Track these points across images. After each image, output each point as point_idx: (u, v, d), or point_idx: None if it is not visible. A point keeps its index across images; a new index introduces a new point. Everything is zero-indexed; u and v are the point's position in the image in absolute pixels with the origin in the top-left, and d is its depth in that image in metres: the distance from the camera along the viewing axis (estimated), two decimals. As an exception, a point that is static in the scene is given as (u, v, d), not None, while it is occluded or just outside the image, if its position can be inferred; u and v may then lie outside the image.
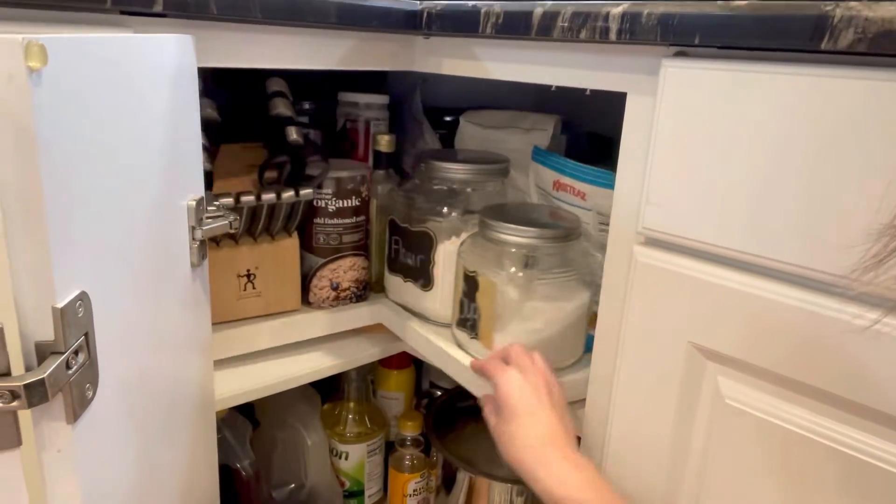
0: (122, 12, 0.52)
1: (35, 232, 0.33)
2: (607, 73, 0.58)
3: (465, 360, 0.73)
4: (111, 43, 0.40)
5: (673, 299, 0.54)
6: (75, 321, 0.36)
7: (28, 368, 0.34)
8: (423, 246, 0.80)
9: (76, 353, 0.36)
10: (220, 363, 0.77)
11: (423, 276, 0.81)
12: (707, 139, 0.50)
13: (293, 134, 0.74)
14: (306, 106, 0.93)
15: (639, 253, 0.56)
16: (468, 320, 0.74)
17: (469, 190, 0.82)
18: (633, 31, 0.52)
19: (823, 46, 0.42)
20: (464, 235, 0.77)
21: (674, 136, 0.52)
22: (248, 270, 0.77)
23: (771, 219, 0.47)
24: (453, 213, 0.78)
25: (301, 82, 0.80)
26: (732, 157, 0.48)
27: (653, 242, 0.56)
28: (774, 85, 0.46)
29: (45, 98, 0.32)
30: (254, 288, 0.77)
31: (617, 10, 0.53)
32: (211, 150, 0.69)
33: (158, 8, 0.52)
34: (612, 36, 0.53)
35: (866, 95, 0.42)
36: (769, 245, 0.47)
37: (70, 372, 0.35)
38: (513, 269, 0.70)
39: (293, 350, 0.84)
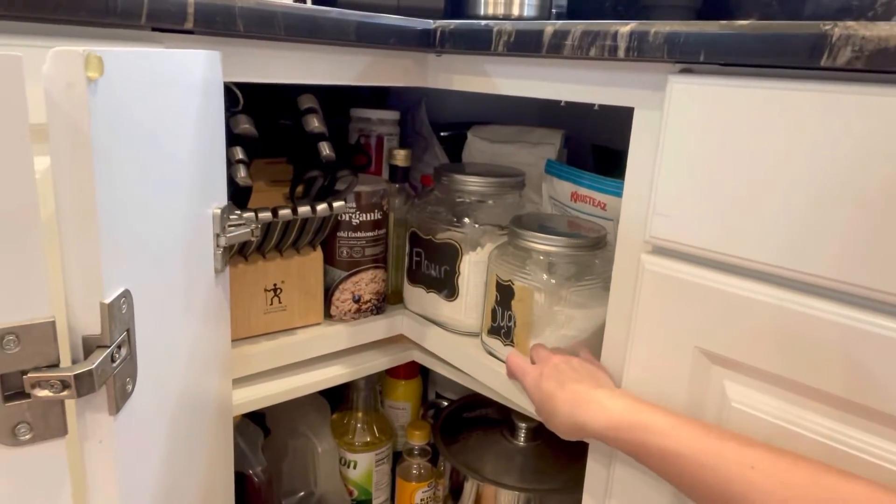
0: (154, 29, 0.55)
1: (87, 231, 0.35)
2: (615, 88, 0.61)
3: (499, 366, 0.76)
4: (157, 57, 0.43)
5: (680, 305, 0.56)
6: (120, 317, 0.38)
7: (75, 361, 0.36)
8: (448, 257, 0.82)
9: (119, 347, 0.38)
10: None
11: (447, 287, 0.83)
12: (712, 152, 0.52)
13: (326, 149, 0.76)
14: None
15: (646, 261, 0.58)
16: (502, 328, 0.76)
17: (490, 202, 0.84)
18: (641, 49, 0.55)
19: (823, 63, 0.45)
20: (488, 246, 0.80)
21: (680, 149, 0.54)
22: (275, 284, 0.78)
23: (774, 227, 0.49)
24: (477, 225, 0.81)
25: (292, 98, 0.82)
26: (736, 168, 0.51)
27: (660, 251, 0.58)
28: (776, 100, 0.48)
29: (99, 106, 0.34)
30: (280, 302, 0.79)
31: (625, 29, 0.55)
32: (248, 165, 0.71)
33: (189, 25, 0.55)
34: (621, 53, 0.56)
35: (864, 110, 0.45)
36: (773, 252, 0.49)
37: (114, 365, 0.37)
38: (545, 277, 0.72)
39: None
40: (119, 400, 0.38)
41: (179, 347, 0.51)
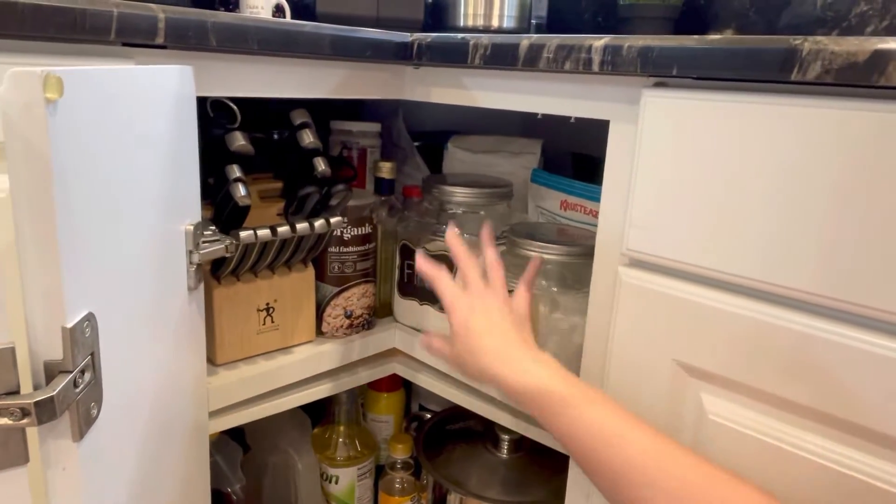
0: (125, 44, 0.54)
1: (47, 255, 0.34)
2: (591, 101, 0.61)
3: None
4: (120, 75, 0.42)
5: (657, 318, 0.56)
6: (83, 341, 0.37)
7: (37, 387, 0.36)
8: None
9: (83, 372, 0.37)
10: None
11: None
12: (686, 165, 0.52)
13: (322, 165, 0.75)
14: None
15: (624, 273, 0.58)
16: None
17: (481, 213, 0.84)
18: (615, 63, 0.55)
19: (793, 77, 0.45)
20: (481, 256, 0.79)
21: (655, 162, 0.54)
22: (268, 304, 0.77)
23: (750, 240, 0.49)
24: (471, 236, 0.81)
25: (277, 111, 0.81)
26: (711, 181, 0.51)
27: (637, 263, 0.58)
28: (748, 113, 0.48)
29: (59, 127, 0.34)
30: (273, 321, 0.78)
31: (599, 44, 0.55)
32: (246, 183, 0.69)
33: (160, 40, 0.54)
34: (595, 67, 0.56)
35: (833, 123, 0.45)
36: (749, 265, 0.50)
37: (77, 390, 0.36)
38: (545, 283, 0.72)
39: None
40: (83, 426, 0.37)
41: (150, 368, 0.50)
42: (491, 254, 0.66)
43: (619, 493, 0.48)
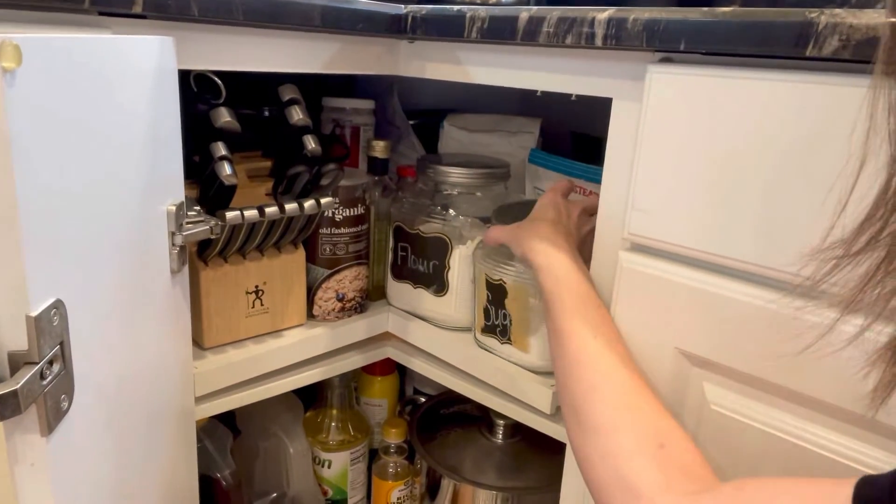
0: (101, 13, 0.51)
1: (8, 238, 0.32)
2: (593, 78, 0.58)
3: (497, 362, 0.75)
4: (87, 44, 0.39)
5: (659, 305, 0.54)
6: (50, 330, 0.35)
7: (0, 379, 0.33)
8: (436, 251, 0.80)
9: (51, 363, 0.35)
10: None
11: (436, 282, 0.81)
12: (693, 145, 0.50)
13: (312, 143, 0.72)
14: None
15: (624, 259, 0.56)
16: (497, 326, 0.74)
17: (478, 194, 0.82)
18: (619, 37, 0.52)
19: (808, 53, 0.42)
20: (478, 239, 0.78)
21: (659, 142, 0.52)
22: (257, 286, 0.75)
23: (755, 224, 0.47)
24: (467, 217, 0.78)
25: (265, 86, 0.78)
26: (718, 162, 0.49)
27: (638, 248, 0.56)
28: (759, 91, 0.46)
29: (19, 99, 0.31)
30: (262, 304, 0.75)
31: (602, 16, 0.53)
32: (232, 161, 0.66)
33: (138, 9, 0.51)
34: (598, 42, 0.53)
35: (850, 102, 0.42)
36: (754, 250, 0.48)
37: (44, 383, 0.34)
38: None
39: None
40: (52, 420, 0.35)
41: (129, 355, 0.48)
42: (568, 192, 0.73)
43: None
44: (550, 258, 0.60)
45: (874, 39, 0.40)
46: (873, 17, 0.40)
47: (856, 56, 0.41)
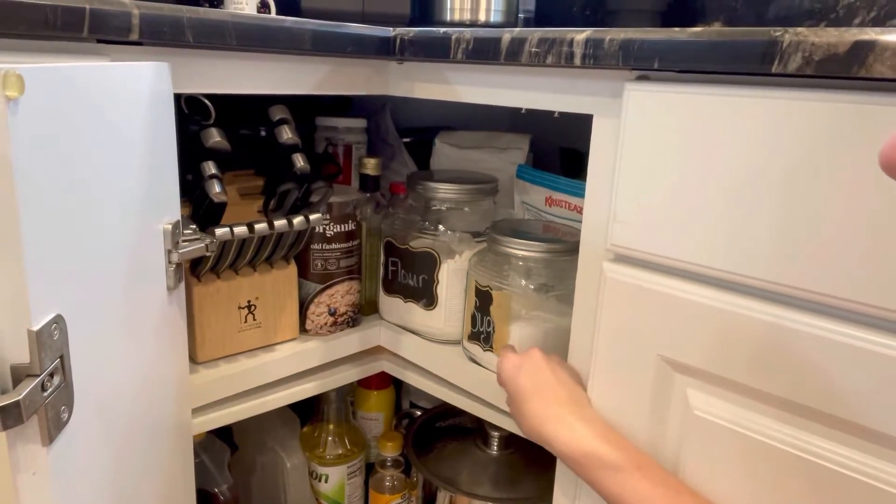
0: (99, 41, 0.53)
1: (11, 257, 0.33)
2: (574, 96, 0.60)
3: (481, 373, 0.76)
4: (87, 72, 0.41)
5: (642, 314, 0.55)
6: (51, 344, 0.36)
7: (2, 391, 0.35)
8: (426, 266, 0.82)
9: (51, 375, 0.36)
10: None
11: (425, 296, 0.83)
12: (670, 159, 0.52)
13: (300, 161, 0.74)
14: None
15: (608, 269, 0.57)
16: (481, 333, 0.76)
17: (466, 209, 0.84)
18: (597, 56, 0.54)
19: (774, 70, 0.44)
20: (466, 253, 0.80)
21: (638, 157, 0.54)
22: (249, 301, 0.76)
23: (734, 234, 0.49)
24: (455, 232, 0.80)
25: (260, 106, 0.81)
26: (694, 175, 0.50)
27: (621, 259, 0.57)
28: (730, 106, 0.48)
29: (21, 127, 0.33)
30: (254, 319, 0.77)
31: (581, 37, 0.55)
32: (222, 180, 0.68)
33: (134, 36, 0.53)
34: (577, 61, 0.55)
35: (813, 115, 0.44)
36: (734, 260, 0.49)
37: (45, 394, 0.36)
38: (524, 283, 0.72)
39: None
40: (52, 430, 0.37)
41: (128, 369, 0.50)
42: None
43: None
44: (565, 437, 0.56)
45: (835, 56, 0.42)
46: (833, 36, 0.42)
47: (818, 72, 0.43)
